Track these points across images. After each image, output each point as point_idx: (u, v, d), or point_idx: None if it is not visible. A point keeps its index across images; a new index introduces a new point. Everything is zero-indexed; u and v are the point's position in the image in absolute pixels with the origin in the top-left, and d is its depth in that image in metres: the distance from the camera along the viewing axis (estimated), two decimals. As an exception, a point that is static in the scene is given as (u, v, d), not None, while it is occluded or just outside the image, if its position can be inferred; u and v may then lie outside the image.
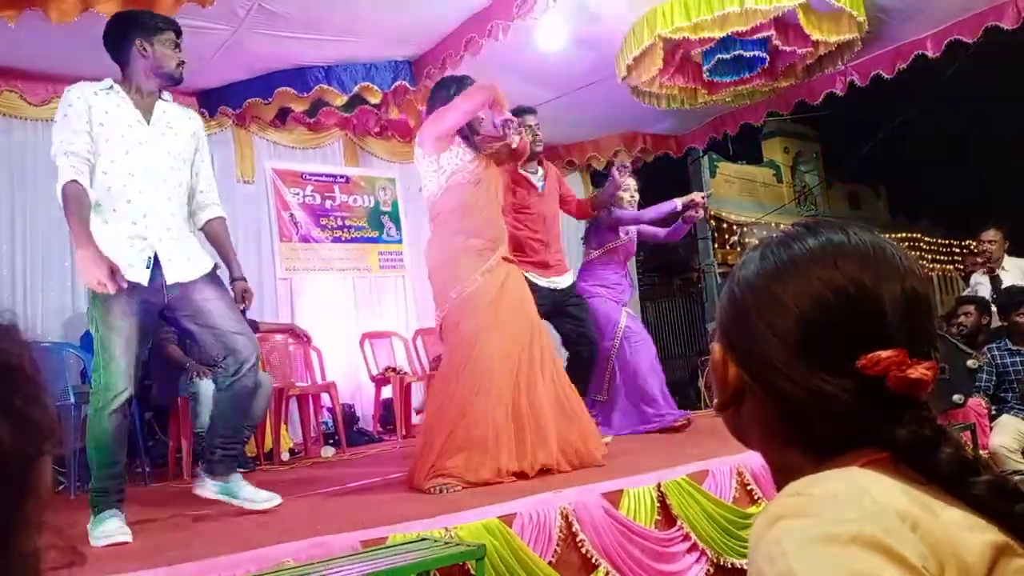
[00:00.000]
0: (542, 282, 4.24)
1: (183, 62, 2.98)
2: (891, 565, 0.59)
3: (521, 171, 4.32)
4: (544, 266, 4.31)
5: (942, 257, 14.58)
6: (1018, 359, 4.67)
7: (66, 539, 0.52)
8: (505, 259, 3.47)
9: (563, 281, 4.42)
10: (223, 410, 2.99)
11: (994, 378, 4.68)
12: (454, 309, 3.37)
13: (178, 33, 3.00)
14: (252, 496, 2.94)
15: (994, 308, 5.31)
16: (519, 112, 4.19)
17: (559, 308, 4.36)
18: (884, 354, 0.70)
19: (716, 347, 0.82)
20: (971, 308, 5.14)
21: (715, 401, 0.84)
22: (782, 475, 0.77)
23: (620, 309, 4.90)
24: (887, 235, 0.80)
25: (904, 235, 13.34)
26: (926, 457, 0.70)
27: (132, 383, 2.75)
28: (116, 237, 2.74)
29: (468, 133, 3.55)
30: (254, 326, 5.62)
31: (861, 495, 0.65)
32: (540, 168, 4.48)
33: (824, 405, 0.72)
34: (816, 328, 0.73)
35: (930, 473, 0.69)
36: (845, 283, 0.73)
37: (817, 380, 0.72)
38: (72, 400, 4.36)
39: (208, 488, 2.97)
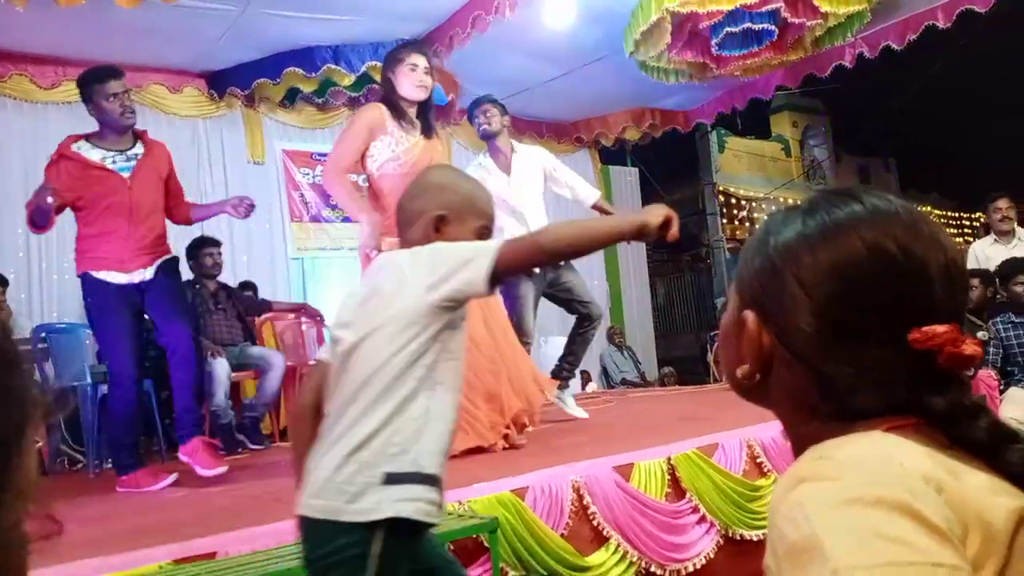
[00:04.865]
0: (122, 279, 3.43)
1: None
2: (917, 527, 0.58)
3: (90, 151, 3.46)
4: (120, 261, 3.43)
5: (952, 231, 14.53)
6: (1022, 331, 4.67)
7: (42, 508, 0.48)
8: None
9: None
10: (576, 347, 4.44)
11: (1001, 351, 4.68)
12: None
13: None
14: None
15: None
16: (104, 75, 3.44)
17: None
18: (940, 329, 0.67)
19: (750, 315, 0.77)
20: (976, 281, 5.10)
21: (741, 368, 0.79)
22: (801, 443, 0.75)
23: None
24: None
25: (915, 208, 13.27)
26: (964, 426, 0.68)
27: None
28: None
29: (400, 117, 3.47)
30: (267, 306, 5.67)
31: (886, 458, 0.64)
32: (136, 146, 3.55)
33: (863, 376, 0.70)
34: (861, 298, 0.70)
35: (966, 441, 0.68)
36: (894, 249, 0.70)
37: (858, 351, 0.70)
38: (89, 380, 4.42)
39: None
